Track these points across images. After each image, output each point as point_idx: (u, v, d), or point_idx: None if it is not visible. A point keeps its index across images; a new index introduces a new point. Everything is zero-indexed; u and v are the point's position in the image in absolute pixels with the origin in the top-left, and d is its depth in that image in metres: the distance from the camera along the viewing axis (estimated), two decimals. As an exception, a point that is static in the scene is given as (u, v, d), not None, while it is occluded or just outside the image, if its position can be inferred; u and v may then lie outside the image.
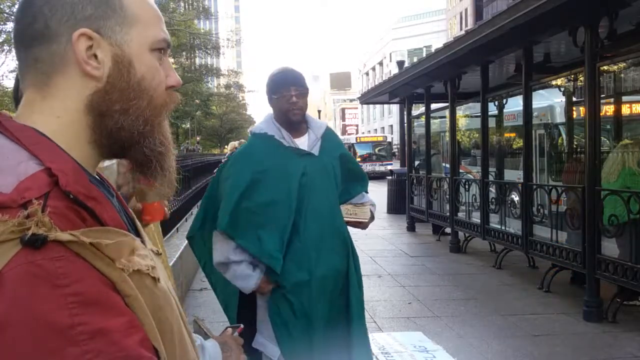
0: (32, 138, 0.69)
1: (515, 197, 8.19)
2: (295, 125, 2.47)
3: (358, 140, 32.82)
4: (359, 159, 30.83)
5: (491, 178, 8.35)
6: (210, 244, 2.50)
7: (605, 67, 5.86)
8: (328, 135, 2.57)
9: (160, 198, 2.18)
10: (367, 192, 2.72)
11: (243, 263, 2.36)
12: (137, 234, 0.80)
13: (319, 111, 35.62)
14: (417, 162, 11.94)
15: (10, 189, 0.62)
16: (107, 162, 2.14)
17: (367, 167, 29.75)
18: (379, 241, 9.84)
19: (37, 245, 0.58)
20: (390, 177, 14.43)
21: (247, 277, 2.35)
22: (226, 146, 38.13)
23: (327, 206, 2.46)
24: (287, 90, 2.42)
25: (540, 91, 9.02)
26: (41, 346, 0.56)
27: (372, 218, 2.66)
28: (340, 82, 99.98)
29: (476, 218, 8.32)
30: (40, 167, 0.65)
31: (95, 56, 0.72)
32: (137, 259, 0.67)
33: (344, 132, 57.38)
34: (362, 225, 2.63)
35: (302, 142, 2.48)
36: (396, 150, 31.72)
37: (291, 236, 2.36)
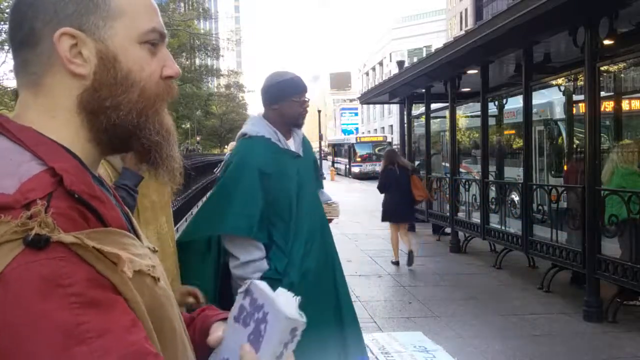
0: (33, 138, 0.69)
1: (515, 197, 8.19)
2: (298, 128, 2.59)
3: (358, 140, 32.80)
4: (359, 159, 30.85)
5: (491, 178, 8.35)
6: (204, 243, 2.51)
7: (605, 67, 5.87)
8: (305, 138, 2.73)
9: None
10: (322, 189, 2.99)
11: (263, 259, 2.42)
12: (134, 231, 0.80)
13: (319, 111, 35.57)
14: (417, 162, 11.94)
15: (14, 190, 0.62)
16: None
17: (367, 167, 29.76)
18: (379, 241, 9.83)
19: (40, 246, 0.58)
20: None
21: (263, 272, 2.38)
22: (226, 146, 38.15)
23: (316, 204, 2.63)
24: (302, 95, 2.52)
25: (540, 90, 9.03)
26: (48, 345, 0.56)
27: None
28: (340, 82, 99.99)
29: (476, 218, 8.32)
30: (43, 168, 0.65)
31: (81, 54, 0.72)
32: (137, 259, 0.67)
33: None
34: (331, 222, 2.87)
35: (291, 145, 2.58)
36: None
37: (290, 232, 2.45)
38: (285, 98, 2.48)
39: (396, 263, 7.91)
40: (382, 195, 8.03)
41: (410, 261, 7.60)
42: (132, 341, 0.60)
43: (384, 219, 8.02)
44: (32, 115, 0.72)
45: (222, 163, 7.26)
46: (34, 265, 0.58)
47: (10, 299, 0.56)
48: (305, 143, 2.69)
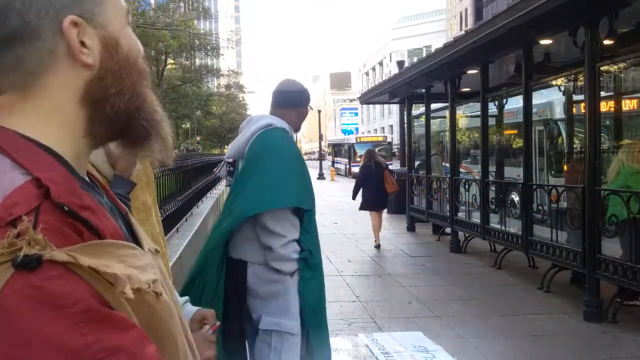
0: (14, 143, 0.62)
1: (515, 197, 8.20)
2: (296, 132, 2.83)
3: (358, 140, 32.78)
4: (359, 159, 30.85)
5: (491, 178, 8.35)
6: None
7: (605, 67, 5.87)
8: None
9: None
10: None
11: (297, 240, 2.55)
12: (133, 235, 0.76)
13: (319, 111, 35.57)
14: (417, 162, 11.95)
15: None
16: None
17: (367, 167, 29.69)
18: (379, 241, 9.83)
19: (32, 266, 0.53)
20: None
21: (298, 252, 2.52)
22: (226, 146, 38.11)
23: None
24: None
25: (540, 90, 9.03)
26: None
27: None
28: (340, 82, 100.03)
29: (476, 218, 8.32)
30: (27, 178, 0.59)
31: (84, 43, 0.67)
32: (136, 275, 0.62)
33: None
34: None
35: None
36: (396, 150, 31.71)
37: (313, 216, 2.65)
38: (306, 104, 2.77)
39: (377, 247, 9.18)
40: (358, 188, 9.57)
41: (379, 248, 9.19)
42: (148, 354, 0.57)
43: (362, 208, 9.47)
44: (15, 118, 0.66)
45: (222, 163, 7.27)
46: (29, 288, 0.52)
47: (9, 329, 0.51)
48: None
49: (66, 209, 0.59)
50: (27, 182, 0.59)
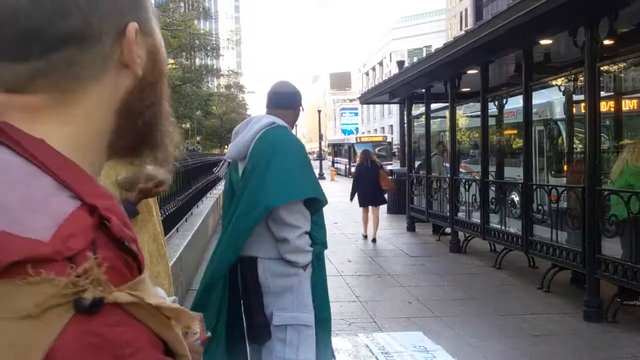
0: (54, 159, 0.54)
1: (515, 197, 8.20)
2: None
3: (358, 140, 32.75)
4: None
5: (491, 178, 8.35)
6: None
7: (605, 67, 5.87)
8: None
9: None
10: None
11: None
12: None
13: (319, 111, 35.60)
14: (417, 163, 11.95)
15: (49, 236, 0.48)
16: None
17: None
18: (379, 241, 9.83)
19: (94, 310, 0.47)
20: (390, 177, 14.44)
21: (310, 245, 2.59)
22: (226, 146, 38.11)
23: None
24: None
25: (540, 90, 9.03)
26: None
27: None
28: (340, 82, 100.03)
29: (476, 218, 8.32)
30: (76, 203, 0.52)
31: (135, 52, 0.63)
32: (168, 302, 0.57)
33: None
34: None
35: None
36: (396, 150, 31.72)
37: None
38: (298, 105, 2.87)
39: (365, 237, 10.00)
40: (356, 185, 10.18)
41: (373, 241, 9.75)
42: None
43: (361, 204, 10.08)
44: (43, 124, 0.58)
45: (222, 162, 7.28)
46: (90, 335, 0.47)
47: None
48: None
49: (126, 245, 0.53)
50: (79, 209, 0.52)
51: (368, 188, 9.85)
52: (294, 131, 2.91)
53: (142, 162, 0.71)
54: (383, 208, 13.72)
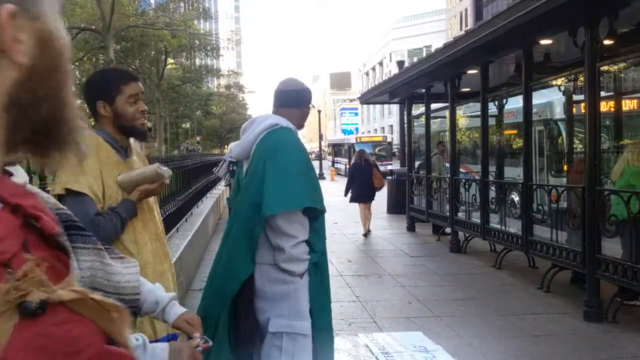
0: None
1: (515, 197, 8.20)
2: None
3: (358, 140, 32.75)
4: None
5: (491, 178, 8.35)
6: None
7: (605, 67, 5.86)
8: None
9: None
10: None
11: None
12: None
13: (319, 111, 35.58)
14: (417, 163, 11.95)
15: None
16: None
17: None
18: (379, 241, 9.84)
19: (39, 313, 0.46)
20: (390, 177, 14.45)
21: (307, 253, 2.52)
22: (226, 146, 38.13)
23: None
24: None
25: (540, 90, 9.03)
26: None
27: None
28: (340, 82, 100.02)
29: (476, 218, 8.32)
30: None
31: (17, 37, 0.56)
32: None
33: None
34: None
35: None
36: (396, 150, 31.71)
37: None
38: (307, 104, 2.76)
39: (365, 235, 10.36)
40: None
41: (367, 235, 10.37)
42: None
43: (352, 200, 10.64)
44: None
45: (222, 162, 7.28)
46: (39, 338, 0.46)
47: None
48: None
49: (58, 241, 0.52)
50: (1, 210, 0.49)
51: (362, 185, 10.44)
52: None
53: (52, 162, 0.64)
54: (382, 208, 13.77)
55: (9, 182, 0.54)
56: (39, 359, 0.45)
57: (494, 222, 7.80)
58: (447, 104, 9.52)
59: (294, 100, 2.71)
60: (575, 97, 8.47)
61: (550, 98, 9.95)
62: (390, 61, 64.75)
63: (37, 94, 0.58)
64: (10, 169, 0.60)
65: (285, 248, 2.44)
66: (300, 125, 2.74)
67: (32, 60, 0.57)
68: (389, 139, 34.90)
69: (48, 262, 0.49)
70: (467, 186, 8.70)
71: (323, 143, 41.30)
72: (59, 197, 1.92)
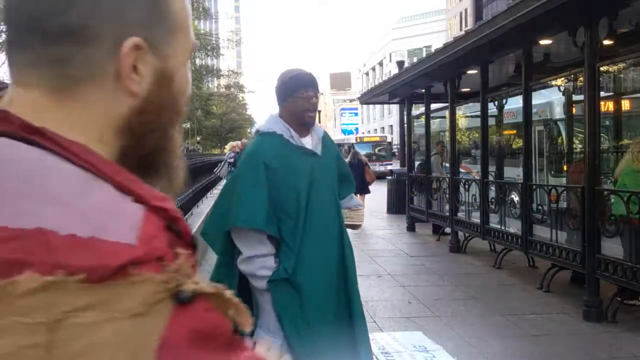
0: (105, 164, 0.56)
1: (515, 197, 8.20)
2: (306, 126, 2.56)
3: (358, 140, 32.77)
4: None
5: (491, 178, 8.35)
6: (225, 239, 2.51)
7: (605, 67, 5.87)
8: (326, 137, 2.70)
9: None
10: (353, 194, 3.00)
11: (269, 256, 2.42)
12: None
13: (319, 111, 35.58)
14: (417, 163, 11.96)
15: (134, 239, 0.51)
16: None
17: (367, 167, 29.74)
18: (379, 241, 9.84)
19: (190, 302, 0.53)
20: (390, 177, 14.46)
21: (271, 269, 2.40)
22: (226, 146, 38.15)
23: (330, 203, 2.60)
24: (308, 90, 2.52)
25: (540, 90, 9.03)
26: None
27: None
28: (340, 82, 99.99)
29: (476, 218, 8.33)
30: (143, 206, 0.54)
31: (136, 68, 0.60)
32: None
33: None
34: (356, 227, 2.96)
35: (307, 142, 2.57)
36: (396, 150, 31.72)
37: (298, 229, 2.44)
38: (291, 94, 2.52)
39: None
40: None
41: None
42: None
43: None
44: (50, 123, 0.56)
45: (222, 162, 7.29)
46: (193, 322, 0.53)
47: None
48: (327, 142, 2.67)
49: (192, 242, 0.57)
50: (148, 211, 0.54)
51: (355, 179, 11.07)
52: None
53: None
54: (382, 208, 13.80)
55: (147, 186, 0.58)
56: (192, 339, 0.52)
57: (494, 222, 7.81)
58: (447, 104, 9.52)
59: (281, 95, 2.57)
60: (575, 97, 8.47)
61: (550, 98, 9.96)
62: (390, 61, 64.75)
63: (146, 127, 0.63)
64: None
65: (237, 263, 2.44)
66: (300, 120, 2.53)
67: (148, 94, 0.61)
68: (388, 139, 34.92)
69: (192, 260, 0.56)
70: (466, 186, 8.71)
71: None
72: None
